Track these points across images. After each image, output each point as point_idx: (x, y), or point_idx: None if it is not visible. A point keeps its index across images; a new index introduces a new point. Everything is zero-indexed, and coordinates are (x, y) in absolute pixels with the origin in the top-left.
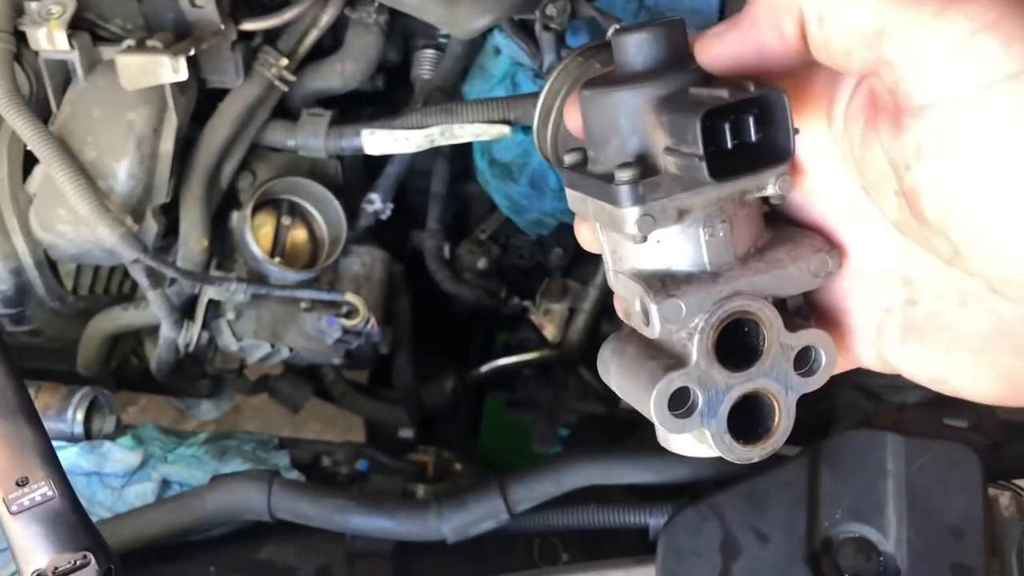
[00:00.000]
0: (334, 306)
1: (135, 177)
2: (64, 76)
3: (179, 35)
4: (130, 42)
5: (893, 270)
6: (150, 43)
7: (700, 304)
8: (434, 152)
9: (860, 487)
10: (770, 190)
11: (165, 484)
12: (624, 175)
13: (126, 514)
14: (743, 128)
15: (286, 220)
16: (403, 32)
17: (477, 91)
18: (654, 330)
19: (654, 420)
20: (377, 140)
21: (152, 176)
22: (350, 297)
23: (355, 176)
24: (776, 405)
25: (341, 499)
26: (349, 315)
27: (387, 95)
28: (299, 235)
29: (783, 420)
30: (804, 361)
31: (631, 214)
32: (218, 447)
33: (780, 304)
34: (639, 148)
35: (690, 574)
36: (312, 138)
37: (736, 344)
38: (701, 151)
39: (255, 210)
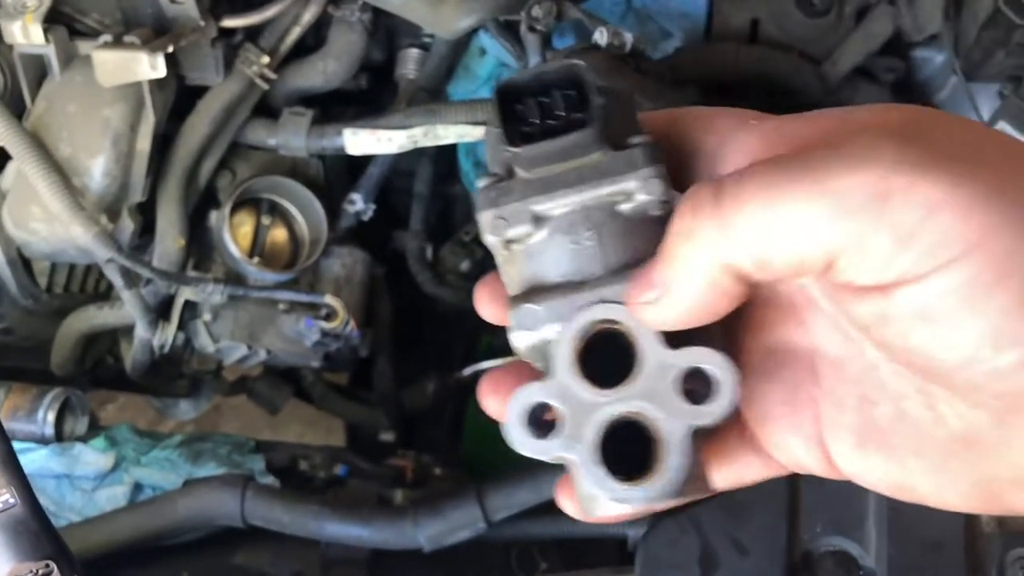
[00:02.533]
0: (313, 308)
1: (111, 175)
2: (39, 71)
3: (158, 31)
4: (107, 37)
5: (848, 363)
6: (128, 39)
7: (559, 311)
8: (418, 153)
9: (841, 500)
10: (639, 197)
11: (137, 488)
12: (481, 183)
13: (97, 518)
14: (554, 106)
15: (266, 220)
16: (387, 31)
17: (462, 92)
18: (514, 339)
19: (511, 441)
20: (359, 140)
21: (128, 174)
22: (329, 299)
23: (337, 176)
24: (658, 436)
25: (315, 505)
26: (328, 317)
27: (371, 95)
28: (279, 235)
29: (670, 455)
30: (694, 386)
31: (485, 217)
32: (192, 450)
33: None
34: (505, 163)
35: None
36: (293, 137)
37: (617, 366)
38: (498, 121)
39: (234, 209)
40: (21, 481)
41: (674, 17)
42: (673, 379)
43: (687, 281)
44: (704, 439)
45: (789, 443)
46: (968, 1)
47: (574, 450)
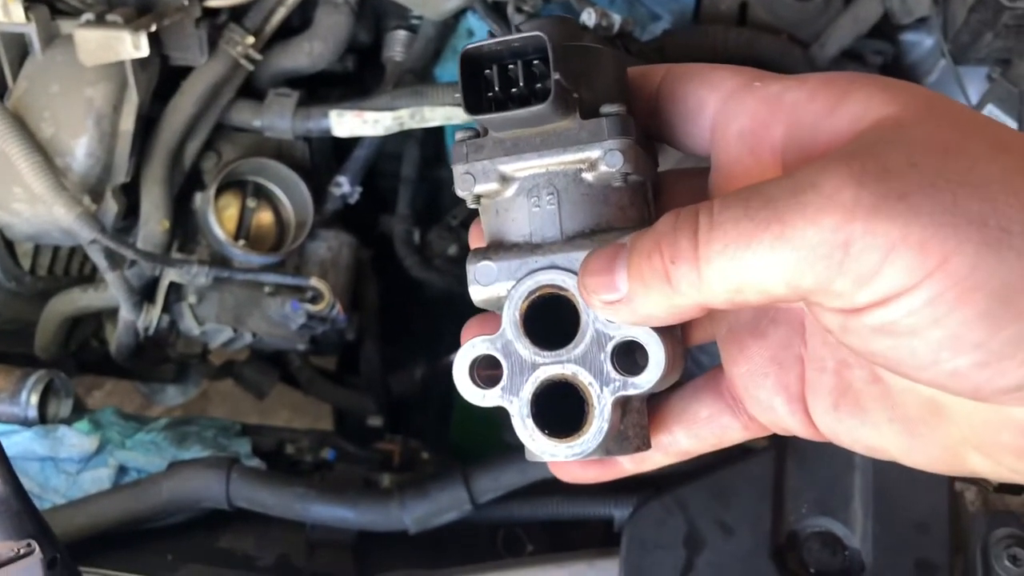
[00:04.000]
0: (299, 291)
1: (94, 155)
2: (21, 50)
3: (141, 10)
4: (89, 16)
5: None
6: (110, 17)
7: (512, 270)
8: (405, 135)
9: (827, 481)
10: (602, 167)
11: (122, 470)
12: (458, 136)
13: (81, 500)
14: (517, 77)
15: (251, 202)
16: (374, 13)
17: (450, 74)
18: (471, 292)
19: (457, 387)
20: (345, 122)
21: (112, 155)
22: (315, 282)
23: (323, 158)
24: (588, 399)
25: (301, 487)
26: (314, 300)
27: (357, 77)
28: (265, 218)
29: (595, 418)
30: (626, 357)
31: (457, 171)
32: (178, 433)
33: None
34: (481, 122)
35: (654, 567)
36: (278, 119)
37: (561, 330)
38: (460, 86)
39: (219, 191)
40: (3, 463)
41: (664, 2)
42: (608, 349)
43: (651, 306)
44: (645, 403)
45: (773, 402)
46: None
47: (511, 403)
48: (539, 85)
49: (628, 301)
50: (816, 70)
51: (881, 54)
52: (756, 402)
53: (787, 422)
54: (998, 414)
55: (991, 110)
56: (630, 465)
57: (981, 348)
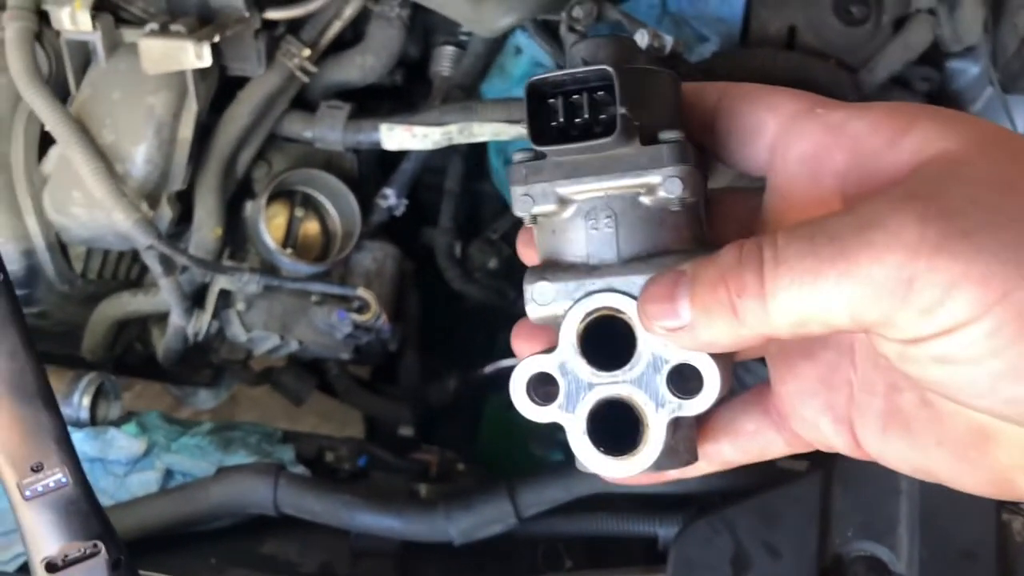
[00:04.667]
0: (345, 301)
1: (152, 162)
2: (85, 57)
3: (203, 21)
4: (153, 26)
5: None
6: (173, 28)
7: (570, 290)
8: (449, 150)
9: (872, 505)
10: (661, 192)
11: (168, 474)
12: (516, 157)
13: (131, 502)
14: (581, 107)
15: (299, 212)
16: (424, 28)
17: (495, 90)
18: (528, 310)
19: (515, 403)
20: (395, 135)
21: (169, 162)
22: (362, 292)
23: (370, 170)
24: (643, 420)
25: (348, 496)
26: (360, 310)
27: (405, 91)
28: (312, 227)
29: (650, 439)
30: (681, 380)
31: (516, 192)
32: (222, 438)
33: None
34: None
35: None
36: (330, 131)
37: (616, 350)
38: (526, 117)
39: (269, 200)
40: (74, 462)
41: (710, 22)
42: (663, 372)
43: (715, 335)
44: (695, 419)
45: (819, 421)
46: (1007, 13)
47: (567, 420)
48: (603, 115)
49: (691, 329)
50: (864, 95)
51: (928, 80)
52: (802, 420)
53: (832, 441)
54: None
55: None
56: (675, 472)
57: None
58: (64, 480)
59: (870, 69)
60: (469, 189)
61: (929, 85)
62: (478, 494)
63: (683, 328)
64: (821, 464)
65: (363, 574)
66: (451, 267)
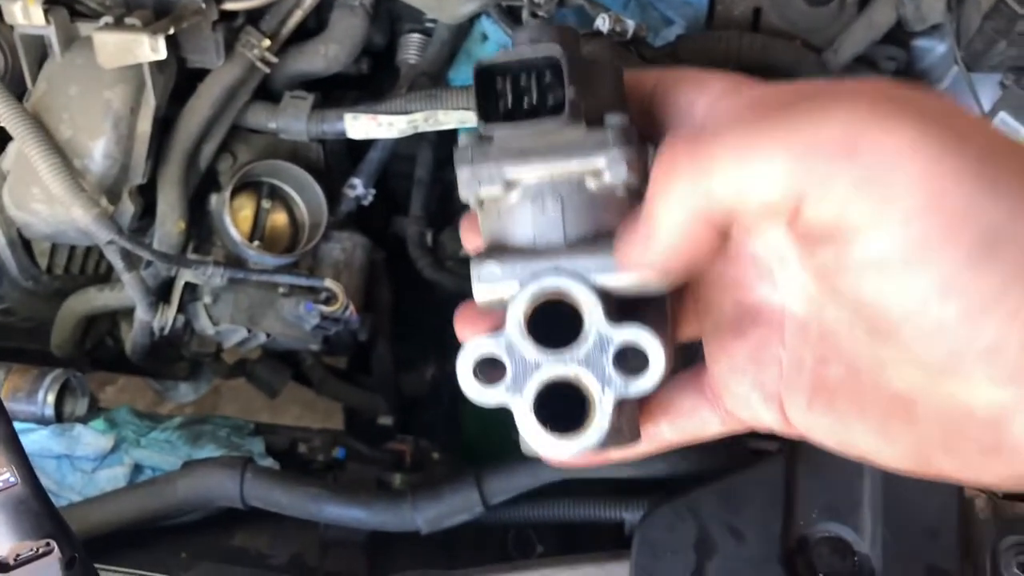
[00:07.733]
0: (313, 292)
1: (111, 157)
2: (40, 52)
3: (159, 13)
4: (108, 19)
5: (811, 324)
6: (129, 21)
7: (516, 272)
8: (418, 138)
9: (837, 486)
10: (606, 176)
11: (137, 469)
12: (462, 140)
13: (96, 498)
14: (529, 89)
15: (266, 204)
16: (389, 16)
17: (463, 77)
18: (475, 292)
19: (461, 385)
20: (360, 125)
21: (129, 156)
22: (329, 283)
23: (337, 160)
24: (590, 400)
25: (314, 488)
26: (328, 301)
27: (371, 79)
28: (279, 219)
29: (597, 418)
30: (628, 360)
31: (462, 174)
32: (192, 432)
33: (607, 295)
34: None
35: (664, 571)
36: (294, 121)
37: (563, 331)
38: (475, 97)
39: (234, 193)
40: (22, 461)
41: (676, 5)
42: (610, 352)
43: (669, 220)
44: (640, 400)
45: (750, 398)
46: None
47: (514, 401)
48: (551, 97)
49: (647, 226)
50: (829, 75)
51: (894, 60)
52: (734, 398)
53: (763, 417)
54: (965, 412)
55: (1003, 117)
56: (618, 453)
57: (965, 296)
58: (12, 480)
59: (835, 49)
60: (439, 177)
61: (895, 64)
62: (446, 483)
63: (644, 234)
64: (787, 446)
65: (333, 565)
66: (422, 256)
